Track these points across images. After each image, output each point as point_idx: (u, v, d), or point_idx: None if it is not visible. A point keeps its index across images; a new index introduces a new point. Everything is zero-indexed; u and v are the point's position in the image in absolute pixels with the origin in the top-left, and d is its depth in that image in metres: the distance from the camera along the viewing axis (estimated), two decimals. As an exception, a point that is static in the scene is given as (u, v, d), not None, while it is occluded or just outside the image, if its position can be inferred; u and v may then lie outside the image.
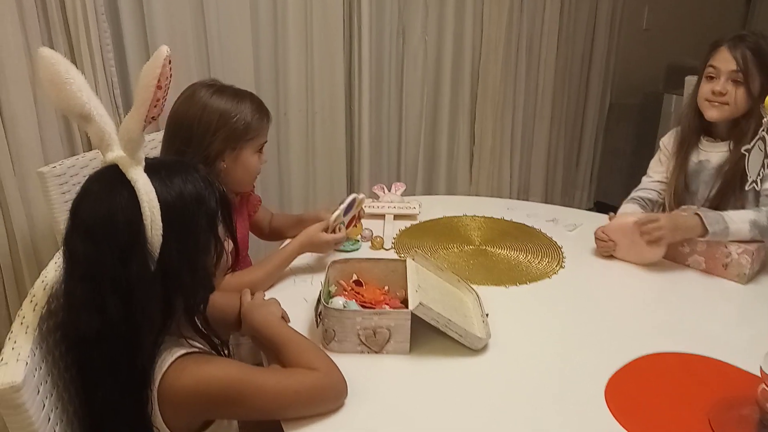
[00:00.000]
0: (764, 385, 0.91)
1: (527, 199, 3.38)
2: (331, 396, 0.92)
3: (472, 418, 0.95)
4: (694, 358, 1.09)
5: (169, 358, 0.85)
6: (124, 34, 1.91)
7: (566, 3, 3.11)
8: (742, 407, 0.95)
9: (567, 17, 3.14)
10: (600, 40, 3.35)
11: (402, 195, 1.77)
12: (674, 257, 1.45)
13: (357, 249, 1.48)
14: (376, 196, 1.76)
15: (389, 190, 1.77)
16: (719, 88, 1.46)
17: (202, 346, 0.91)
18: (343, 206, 1.41)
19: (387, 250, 1.49)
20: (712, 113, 1.49)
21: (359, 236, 1.52)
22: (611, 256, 1.48)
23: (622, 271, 1.45)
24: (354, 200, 1.46)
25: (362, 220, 1.59)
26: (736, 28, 4.03)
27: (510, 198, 3.21)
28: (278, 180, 2.48)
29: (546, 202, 3.45)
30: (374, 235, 1.53)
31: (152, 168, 0.85)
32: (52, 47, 1.73)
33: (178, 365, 0.85)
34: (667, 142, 1.66)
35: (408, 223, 1.65)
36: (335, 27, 2.39)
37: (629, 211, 1.58)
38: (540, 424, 0.94)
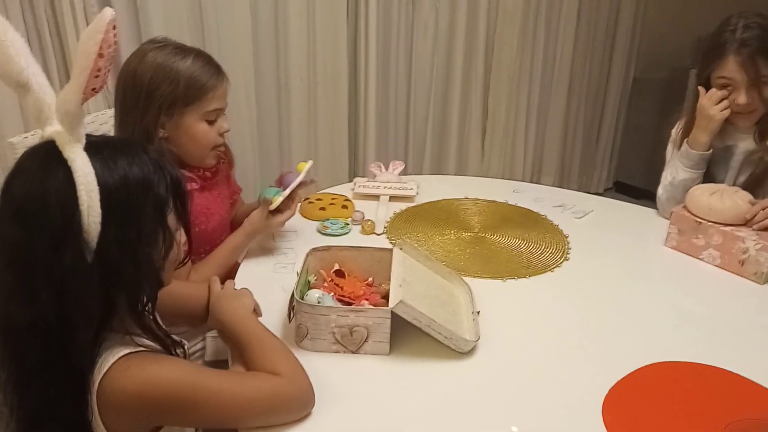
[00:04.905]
0: (784, 411, 0.80)
1: (542, 178, 3.24)
2: (293, 406, 0.83)
3: (455, 427, 0.86)
4: (705, 369, 0.98)
5: (111, 357, 0.76)
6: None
7: (591, -31, 2.93)
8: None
9: (591, -15, 2.96)
10: (626, 9, 3.16)
11: (400, 174, 1.66)
12: (687, 250, 1.33)
13: (346, 233, 1.38)
14: (372, 175, 1.65)
15: (386, 169, 1.66)
16: (742, 101, 1.35)
17: (151, 344, 0.83)
18: (292, 186, 1.25)
19: (378, 235, 1.39)
20: (743, 123, 1.41)
21: (349, 219, 1.41)
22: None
23: (631, 265, 1.33)
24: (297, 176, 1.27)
25: (354, 202, 1.48)
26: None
27: (524, 177, 3.08)
28: (279, 152, 2.38)
29: (562, 180, 3.31)
30: (365, 218, 1.42)
31: (94, 147, 0.75)
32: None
33: (121, 365, 0.76)
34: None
35: (404, 206, 1.54)
36: (339, -9, 2.26)
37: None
38: (526, 441, 0.84)
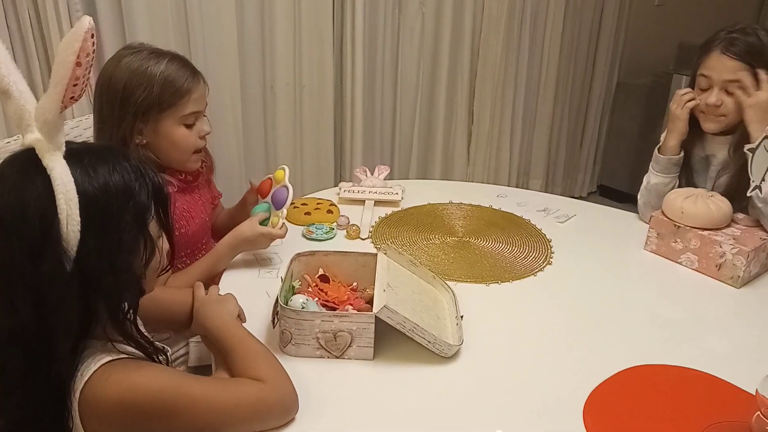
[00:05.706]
0: (760, 413, 0.82)
1: (527, 182, 3.26)
2: (276, 411, 0.84)
3: (439, 431, 0.86)
4: (684, 372, 1.00)
5: (93, 365, 0.76)
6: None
7: (574, -25, 2.96)
8: (734, 432, 0.86)
9: (575, -10, 2.98)
10: (609, 15, 3.19)
11: (386, 179, 1.66)
12: (666, 253, 1.35)
13: (331, 238, 1.38)
14: (357, 180, 1.66)
15: (372, 173, 1.66)
16: (713, 101, 1.35)
17: (134, 351, 0.82)
18: (287, 205, 1.23)
19: (363, 240, 1.39)
20: (709, 126, 1.41)
21: (334, 224, 1.42)
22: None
23: (612, 269, 1.35)
24: (286, 190, 1.25)
25: (339, 206, 1.49)
26: (752, 6, 3.85)
27: (509, 181, 3.10)
28: (264, 157, 2.38)
29: (547, 184, 3.34)
30: (350, 223, 1.43)
31: (75, 154, 0.75)
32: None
33: (103, 373, 0.76)
34: None
35: (389, 210, 1.54)
36: (324, -6, 2.26)
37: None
38: (508, 445, 0.85)
